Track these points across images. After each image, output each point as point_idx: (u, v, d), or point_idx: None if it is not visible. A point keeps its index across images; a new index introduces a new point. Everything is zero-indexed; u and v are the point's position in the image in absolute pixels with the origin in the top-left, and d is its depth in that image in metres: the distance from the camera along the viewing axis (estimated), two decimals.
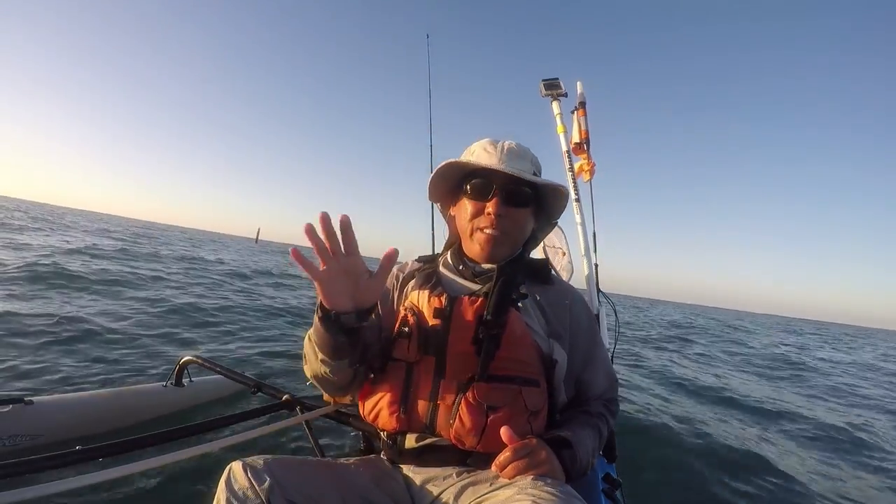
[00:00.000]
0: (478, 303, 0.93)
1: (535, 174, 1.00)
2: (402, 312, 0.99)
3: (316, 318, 0.81)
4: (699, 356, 7.60)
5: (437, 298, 0.95)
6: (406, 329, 0.95)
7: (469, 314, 0.92)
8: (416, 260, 1.15)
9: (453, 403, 0.86)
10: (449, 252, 1.10)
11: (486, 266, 1.02)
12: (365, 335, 0.86)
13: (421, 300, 0.98)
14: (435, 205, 1.15)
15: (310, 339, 0.88)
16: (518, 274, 0.99)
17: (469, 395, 0.86)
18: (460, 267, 1.05)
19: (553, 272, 1.09)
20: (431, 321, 0.93)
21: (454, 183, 1.07)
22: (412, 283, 1.06)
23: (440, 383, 0.89)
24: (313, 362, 0.90)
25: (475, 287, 1.00)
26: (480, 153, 1.02)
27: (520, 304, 0.95)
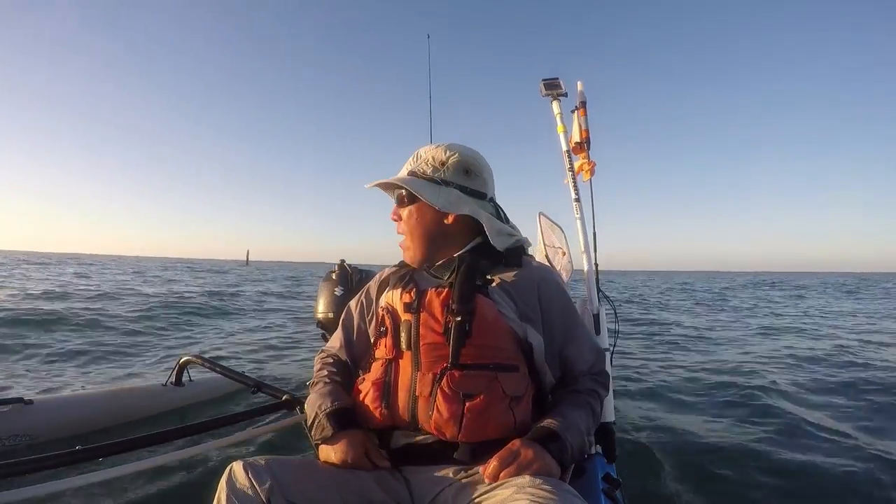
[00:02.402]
0: (444, 293, 0.95)
1: (420, 173, 1.04)
2: (380, 313, 1.03)
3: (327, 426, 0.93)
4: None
5: (407, 294, 0.99)
6: (383, 328, 0.99)
7: (436, 304, 0.94)
8: (395, 265, 1.16)
9: (430, 394, 0.88)
10: None
11: (440, 261, 1.04)
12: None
13: (394, 298, 1.01)
14: None
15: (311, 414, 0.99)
16: (480, 261, 1.00)
17: (444, 384, 0.87)
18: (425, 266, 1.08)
19: (524, 256, 1.08)
20: (404, 316, 0.97)
21: None
22: (389, 285, 1.08)
23: (417, 376, 0.91)
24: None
25: (442, 280, 1.02)
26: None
27: (487, 290, 0.95)
